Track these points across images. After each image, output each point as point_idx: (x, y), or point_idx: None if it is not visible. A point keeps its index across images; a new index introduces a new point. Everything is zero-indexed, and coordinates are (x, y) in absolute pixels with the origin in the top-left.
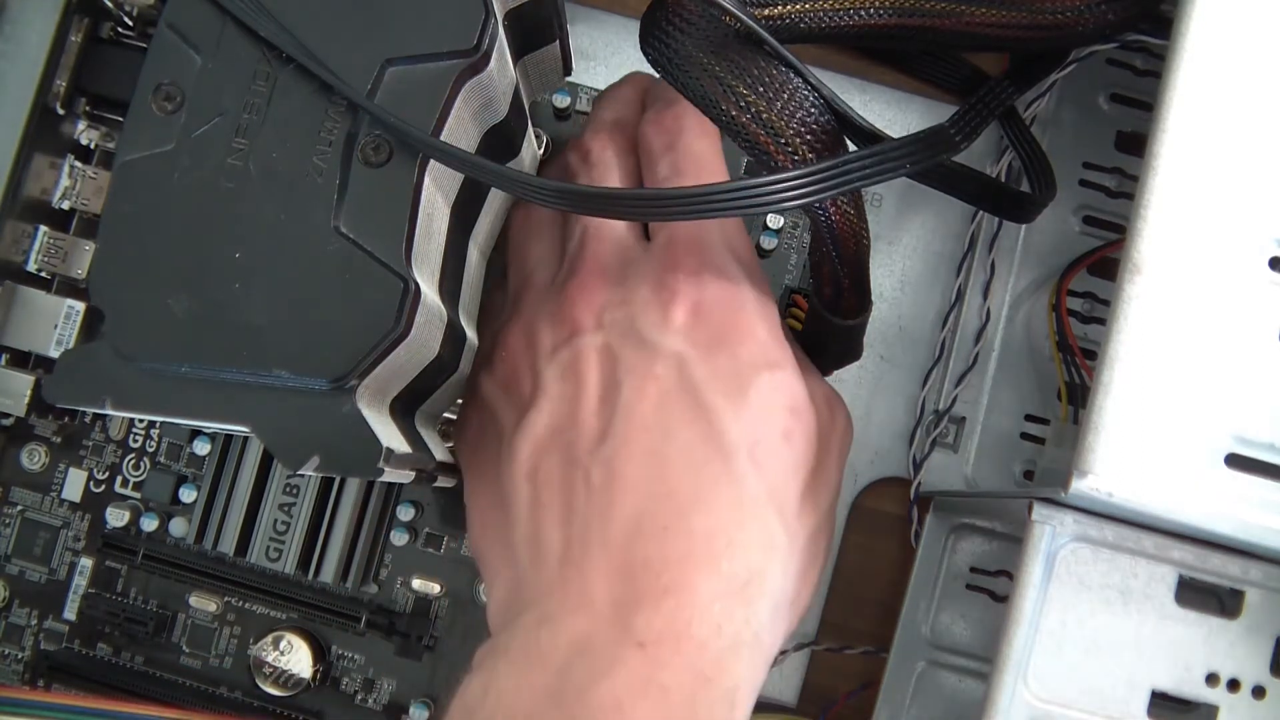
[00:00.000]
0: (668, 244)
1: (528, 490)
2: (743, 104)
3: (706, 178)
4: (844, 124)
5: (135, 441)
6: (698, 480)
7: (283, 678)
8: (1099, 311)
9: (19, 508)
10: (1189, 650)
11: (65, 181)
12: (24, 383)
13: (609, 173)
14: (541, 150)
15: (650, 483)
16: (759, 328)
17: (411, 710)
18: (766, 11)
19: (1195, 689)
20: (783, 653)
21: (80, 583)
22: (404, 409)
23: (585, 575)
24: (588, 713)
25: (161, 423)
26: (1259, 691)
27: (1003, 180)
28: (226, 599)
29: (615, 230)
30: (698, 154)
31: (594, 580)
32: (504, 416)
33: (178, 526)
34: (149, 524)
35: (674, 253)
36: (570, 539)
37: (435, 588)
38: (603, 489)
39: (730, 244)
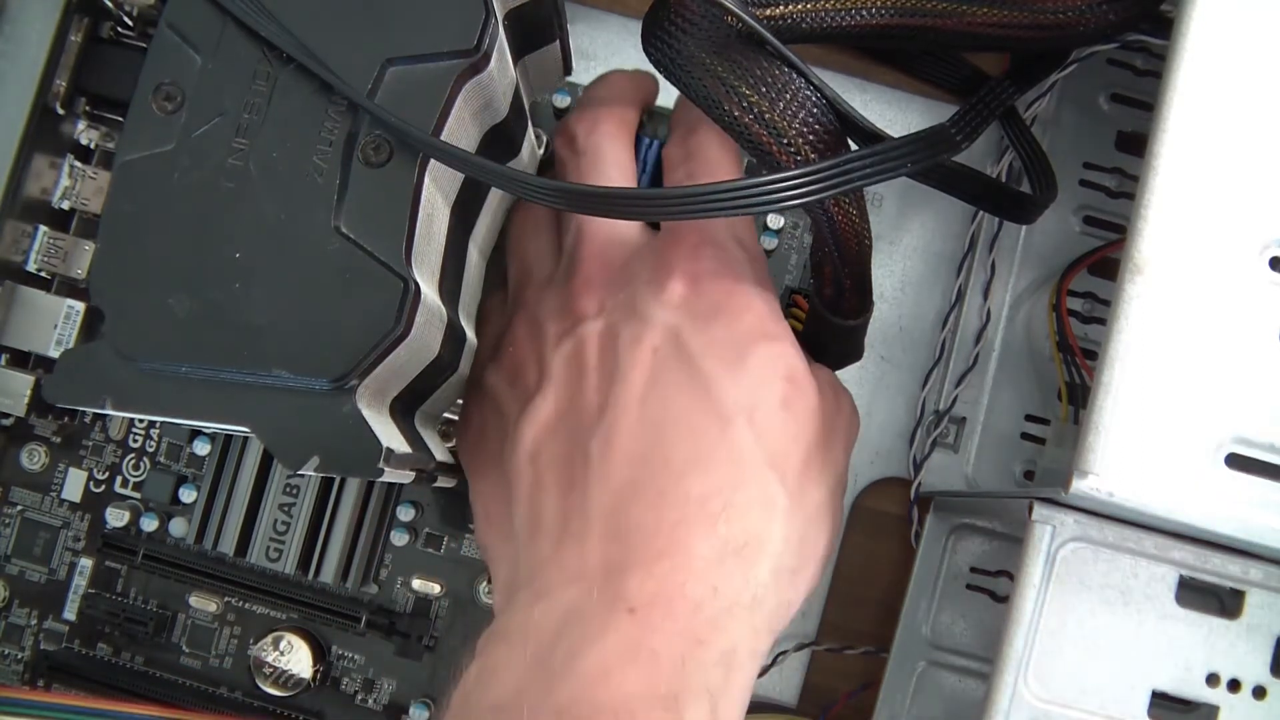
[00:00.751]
0: (671, 229)
1: (530, 473)
2: (745, 104)
3: (721, 178)
4: (846, 124)
5: (135, 441)
6: (694, 445)
7: (283, 678)
8: (1099, 311)
9: (19, 508)
10: (1189, 650)
11: (65, 181)
12: (24, 383)
13: (597, 160)
14: (541, 150)
15: (647, 450)
16: (757, 302)
17: (411, 710)
18: (768, 11)
19: (1195, 689)
20: (783, 652)
21: (80, 583)
22: (404, 409)
23: (581, 546)
24: (575, 681)
25: (161, 423)
26: (1259, 692)
27: (1003, 180)
28: (226, 599)
29: (613, 221)
30: (714, 161)
31: (589, 550)
32: (509, 408)
33: (178, 526)
34: (149, 524)
35: (675, 235)
36: (568, 512)
37: (435, 588)
38: (600, 460)
39: (735, 233)
